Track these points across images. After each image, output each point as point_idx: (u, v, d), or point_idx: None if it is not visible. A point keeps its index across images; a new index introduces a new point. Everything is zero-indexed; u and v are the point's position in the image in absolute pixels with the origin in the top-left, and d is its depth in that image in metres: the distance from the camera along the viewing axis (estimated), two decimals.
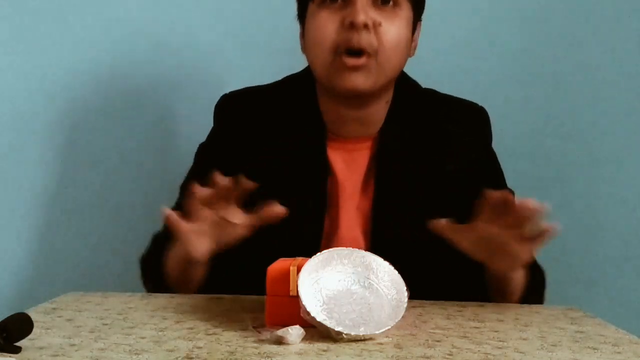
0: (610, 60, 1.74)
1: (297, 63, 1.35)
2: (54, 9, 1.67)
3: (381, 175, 1.28)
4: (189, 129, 1.71)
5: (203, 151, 1.37)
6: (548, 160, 1.75)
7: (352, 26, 1.19)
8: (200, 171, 1.32)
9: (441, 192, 1.28)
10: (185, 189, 1.31)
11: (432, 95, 1.37)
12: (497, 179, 1.34)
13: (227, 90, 1.39)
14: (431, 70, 1.46)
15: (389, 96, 1.31)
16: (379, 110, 1.30)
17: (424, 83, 1.42)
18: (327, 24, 1.22)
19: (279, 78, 1.39)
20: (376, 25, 1.21)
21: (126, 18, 1.70)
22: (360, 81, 1.22)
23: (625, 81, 1.74)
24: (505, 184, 1.35)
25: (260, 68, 1.67)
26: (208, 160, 1.33)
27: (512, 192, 1.32)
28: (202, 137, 1.41)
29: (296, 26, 1.33)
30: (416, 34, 1.31)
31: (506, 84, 1.74)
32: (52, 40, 1.68)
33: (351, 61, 1.20)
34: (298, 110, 1.31)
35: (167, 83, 1.73)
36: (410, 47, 1.29)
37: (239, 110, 1.34)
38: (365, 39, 1.20)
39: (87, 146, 1.71)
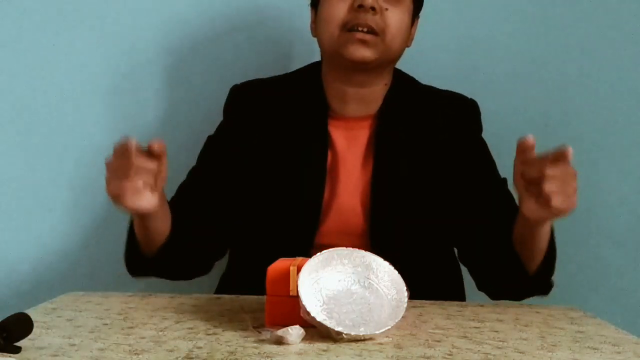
0: (610, 60, 1.74)
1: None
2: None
3: (379, 150, 1.36)
4: (192, 127, 1.71)
5: (212, 140, 1.43)
6: None
7: (361, 7, 1.29)
8: (207, 157, 1.41)
9: (434, 170, 1.36)
10: (192, 172, 1.41)
11: (428, 87, 1.45)
12: (489, 165, 1.41)
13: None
14: (430, 70, 1.47)
15: (387, 79, 1.39)
16: (378, 91, 1.38)
17: (423, 82, 1.42)
18: (338, 5, 1.32)
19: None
20: (382, 10, 1.31)
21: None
22: (367, 53, 1.30)
23: (625, 81, 1.74)
24: (497, 171, 1.40)
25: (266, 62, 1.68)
26: (216, 146, 1.41)
27: (505, 181, 1.38)
28: (200, 141, 1.43)
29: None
30: (414, 27, 1.40)
31: (506, 84, 1.74)
32: (59, 42, 1.68)
33: (359, 34, 1.30)
34: (303, 93, 1.40)
35: (169, 82, 1.73)
36: (409, 36, 1.37)
37: (248, 101, 1.42)
38: (371, 19, 1.29)
39: (87, 146, 1.71)
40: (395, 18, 1.32)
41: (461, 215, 1.35)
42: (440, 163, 1.37)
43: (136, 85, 1.72)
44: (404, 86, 1.41)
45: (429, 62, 1.58)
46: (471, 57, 1.74)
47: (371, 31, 1.29)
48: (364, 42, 1.29)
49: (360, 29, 1.29)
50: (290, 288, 0.98)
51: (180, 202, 1.33)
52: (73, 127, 1.70)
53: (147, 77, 1.72)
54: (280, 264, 1.02)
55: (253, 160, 1.37)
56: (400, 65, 1.41)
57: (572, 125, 1.75)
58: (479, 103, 1.44)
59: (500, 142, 1.40)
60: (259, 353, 0.86)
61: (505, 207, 1.33)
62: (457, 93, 1.44)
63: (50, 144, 1.70)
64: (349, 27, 1.30)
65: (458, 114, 1.42)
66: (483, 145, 1.43)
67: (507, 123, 1.68)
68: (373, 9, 1.29)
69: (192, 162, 1.44)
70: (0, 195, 1.68)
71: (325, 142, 1.36)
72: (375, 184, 1.34)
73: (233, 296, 1.20)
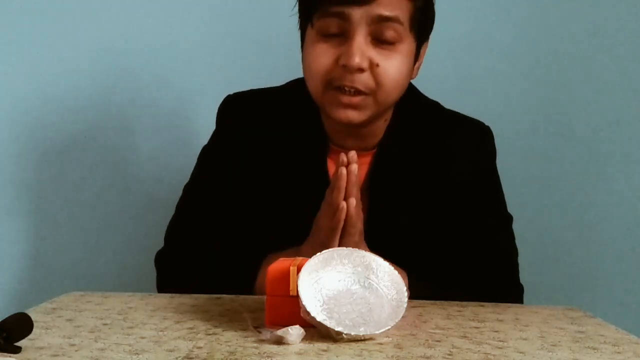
0: (610, 59, 1.74)
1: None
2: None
3: (375, 190, 1.28)
4: (190, 130, 1.71)
5: (206, 154, 1.37)
6: (548, 160, 1.75)
7: (346, 68, 1.16)
8: (203, 174, 1.34)
9: (434, 209, 1.29)
10: (189, 191, 1.34)
11: (436, 109, 1.35)
12: (492, 201, 1.33)
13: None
14: (430, 71, 1.46)
15: (388, 115, 1.30)
16: (377, 128, 1.29)
17: (423, 84, 1.42)
18: (323, 57, 1.18)
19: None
20: (373, 66, 1.17)
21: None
22: (354, 116, 1.20)
23: (625, 80, 1.74)
24: (504, 207, 1.35)
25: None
26: (211, 163, 1.34)
27: (511, 218, 1.33)
28: (199, 139, 1.42)
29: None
30: (422, 54, 1.28)
31: (505, 84, 1.74)
32: (57, 42, 1.69)
33: (345, 99, 1.18)
34: (301, 118, 1.30)
35: (166, 84, 1.73)
36: (411, 74, 1.26)
37: (242, 112, 1.34)
38: (359, 81, 1.17)
39: (86, 147, 1.71)
40: (390, 72, 1.17)
41: (450, 254, 1.29)
42: (442, 197, 1.29)
43: (132, 86, 1.72)
44: (408, 113, 1.30)
45: (429, 62, 1.58)
46: (471, 57, 1.74)
47: (358, 92, 1.17)
48: (350, 106, 1.18)
49: (346, 89, 1.16)
50: (290, 288, 0.98)
51: (195, 225, 1.30)
52: (73, 128, 1.70)
53: (144, 77, 1.72)
54: (280, 264, 1.01)
55: (249, 185, 1.30)
56: None
57: (572, 125, 1.75)
58: (479, 103, 1.42)
59: (500, 142, 1.40)
60: (259, 353, 0.86)
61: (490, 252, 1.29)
62: (469, 117, 1.35)
63: (51, 144, 1.70)
64: (334, 86, 1.17)
65: (467, 142, 1.32)
66: (492, 178, 1.34)
67: (507, 123, 1.69)
68: (361, 69, 1.15)
69: (186, 162, 1.42)
70: (0, 195, 1.68)
71: (323, 179, 1.26)
72: (369, 225, 1.23)
73: (233, 296, 1.20)
